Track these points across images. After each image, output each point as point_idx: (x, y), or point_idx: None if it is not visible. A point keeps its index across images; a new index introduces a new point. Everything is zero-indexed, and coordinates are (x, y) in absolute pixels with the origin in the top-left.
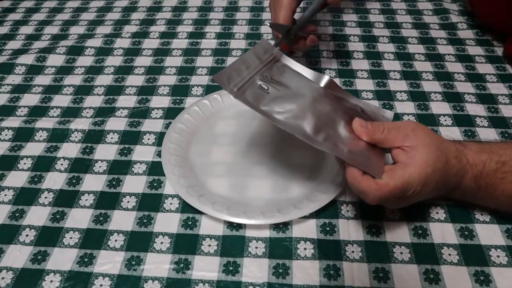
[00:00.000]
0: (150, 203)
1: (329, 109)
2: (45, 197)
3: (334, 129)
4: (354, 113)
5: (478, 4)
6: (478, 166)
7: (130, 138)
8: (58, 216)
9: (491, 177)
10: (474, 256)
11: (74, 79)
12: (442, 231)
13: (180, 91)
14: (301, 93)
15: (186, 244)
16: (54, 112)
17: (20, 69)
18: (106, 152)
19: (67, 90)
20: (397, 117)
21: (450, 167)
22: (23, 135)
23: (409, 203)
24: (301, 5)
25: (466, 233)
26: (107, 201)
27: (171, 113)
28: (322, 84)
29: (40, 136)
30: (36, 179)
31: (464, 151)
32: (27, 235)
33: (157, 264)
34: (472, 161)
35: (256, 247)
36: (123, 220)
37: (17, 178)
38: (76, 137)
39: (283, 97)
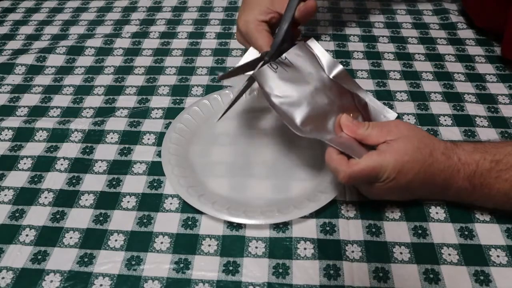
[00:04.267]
0: (150, 203)
1: (327, 102)
2: (45, 197)
3: (324, 122)
4: (351, 108)
5: (473, 10)
6: (471, 166)
7: (130, 138)
8: (58, 216)
9: (486, 177)
10: (474, 256)
11: (74, 79)
12: (442, 231)
13: (180, 91)
14: (306, 80)
15: (186, 244)
16: (54, 112)
17: (20, 69)
18: (106, 152)
19: (67, 90)
20: (397, 117)
21: (435, 161)
22: (23, 135)
23: (385, 194)
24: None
25: (466, 233)
26: (107, 201)
27: (171, 113)
28: (334, 73)
29: (40, 136)
30: (36, 179)
31: (455, 150)
32: (27, 235)
33: (157, 264)
34: (464, 160)
35: (256, 247)
36: (123, 220)
37: (17, 178)
38: (76, 137)
39: (287, 80)
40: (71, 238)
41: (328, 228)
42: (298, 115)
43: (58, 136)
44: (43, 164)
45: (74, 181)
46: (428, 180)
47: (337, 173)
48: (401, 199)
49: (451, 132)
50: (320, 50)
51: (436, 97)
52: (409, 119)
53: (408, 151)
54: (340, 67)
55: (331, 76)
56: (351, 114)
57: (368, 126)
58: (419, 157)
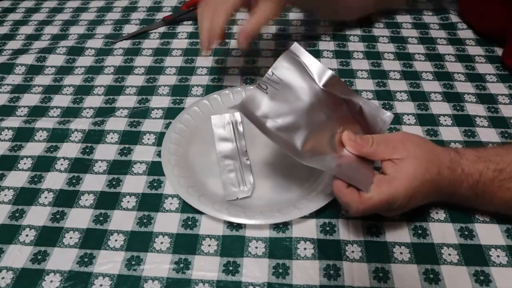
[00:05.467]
0: (150, 203)
1: (324, 118)
2: (45, 197)
3: (324, 142)
4: (349, 120)
5: (472, 16)
6: (474, 176)
7: (130, 138)
8: (58, 216)
9: (488, 185)
10: (474, 256)
11: (74, 79)
12: (442, 231)
13: (180, 91)
14: (299, 97)
15: (186, 244)
16: (54, 112)
17: (20, 69)
18: (106, 152)
19: (67, 90)
20: (397, 117)
21: (443, 178)
22: (23, 135)
23: (398, 213)
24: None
25: (466, 233)
26: (107, 201)
27: (171, 113)
28: (324, 81)
29: (40, 136)
30: (36, 179)
31: (460, 161)
32: (27, 235)
33: (157, 264)
34: (468, 171)
35: (256, 247)
36: (123, 220)
37: (17, 178)
38: (76, 137)
39: (279, 100)
40: (71, 238)
41: (328, 228)
42: (298, 139)
43: (58, 136)
44: (43, 164)
45: (74, 181)
46: (433, 194)
47: (349, 207)
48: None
49: (451, 132)
50: (306, 55)
51: (436, 97)
52: (409, 119)
53: (417, 175)
54: (329, 73)
55: (321, 85)
56: (350, 129)
57: (372, 142)
58: (428, 178)
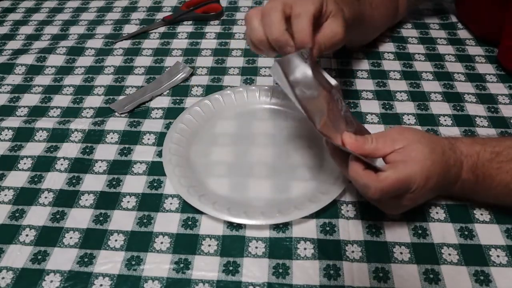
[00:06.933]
0: (150, 203)
1: (338, 115)
2: (45, 197)
3: (337, 135)
4: (343, 121)
5: (468, 19)
6: (473, 157)
7: (130, 138)
8: (58, 216)
9: (487, 167)
10: (474, 256)
11: (74, 79)
12: (442, 231)
13: (180, 91)
14: (324, 86)
15: (186, 244)
16: (54, 112)
17: (20, 69)
18: (106, 152)
19: (67, 90)
20: (397, 117)
21: (448, 158)
22: (23, 135)
23: (412, 204)
24: None
25: (466, 233)
26: (107, 201)
27: (171, 113)
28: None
29: (40, 136)
30: (36, 179)
31: (456, 144)
32: (27, 235)
33: (157, 264)
34: (466, 152)
35: (256, 247)
36: (123, 220)
37: (17, 178)
38: (76, 137)
39: (314, 75)
40: (71, 238)
41: (328, 228)
42: (317, 118)
43: (58, 136)
44: (43, 164)
45: (74, 181)
46: (446, 177)
47: (367, 188)
48: (420, 203)
49: (451, 132)
50: (309, 71)
51: (436, 97)
52: (409, 119)
53: (427, 155)
54: (334, 82)
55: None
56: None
57: (372, 139)
58: (438, 159)
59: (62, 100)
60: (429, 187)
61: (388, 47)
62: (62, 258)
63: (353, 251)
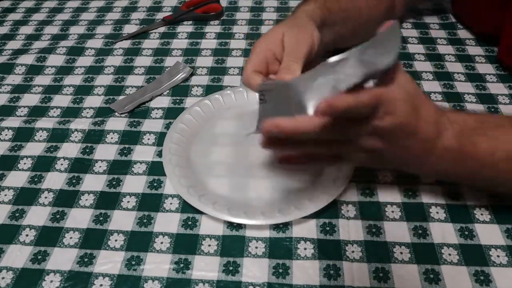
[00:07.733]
0: (150, 203)
1: None
2: (45, 197)
3: None
4: None
5: (467, 18)
6: (459, 124)
7: (130, 138)
8: (58, 216)
9: (472, 134)
10: (474, 256)
11: (74, 79)
12: (442, 231)
13: (180, 91)
14: None
15: (186, 244)
16: (54, 112)
17: (20, 69)
18: (106, 152)
19: (67, 90)
20: None
21: (433, 104)
22: (23, 135)
23: (415, 135)
24: None
25: (466, 233)
26: (107, 201)
27: (171, 113)
28: None
29: (40, 136)
30: (36, 179)
31: (443, 110)
32: (27, 235)
33: (157, 264)
34: (453, 118)
35: (256, 247)
36: (123, 220)
37: (17, 178)
38: (76, 137)
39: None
40: (71, 238)
41: (328, 228)
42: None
43: (58, 136)
44: (43, 164)
45: (74, 181)
46: (428, 130)
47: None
48: (399, 161)
49: None
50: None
51: (436, 97)
52: None
53: (414, 87)
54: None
55: None
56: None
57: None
58: (421, 97)
59: (62, 100)
60: (413, 122)
61: None
62: (62, 258)
63: (353, 251)
